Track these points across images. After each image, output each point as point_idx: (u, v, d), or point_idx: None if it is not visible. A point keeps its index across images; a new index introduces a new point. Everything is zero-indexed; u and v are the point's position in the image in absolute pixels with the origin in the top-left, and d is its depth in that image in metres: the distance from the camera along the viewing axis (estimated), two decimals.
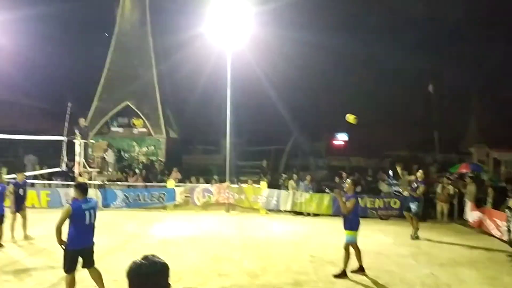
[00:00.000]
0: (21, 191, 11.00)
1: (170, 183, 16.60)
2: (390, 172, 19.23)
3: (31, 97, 34.23)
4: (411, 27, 27.86)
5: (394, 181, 17.81)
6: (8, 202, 10.73)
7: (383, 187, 17.05)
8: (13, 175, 11.98)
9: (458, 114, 26.72)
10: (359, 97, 27.81)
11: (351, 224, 8.18)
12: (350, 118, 11.34)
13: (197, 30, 19.82)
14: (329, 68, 28.88)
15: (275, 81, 25.08)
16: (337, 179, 17.17)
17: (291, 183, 16.77)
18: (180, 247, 10.26)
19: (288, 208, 15.96)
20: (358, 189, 14.30)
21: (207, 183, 17.51)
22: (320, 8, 27.59)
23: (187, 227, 13.01)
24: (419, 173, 12.29)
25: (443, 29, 28.56)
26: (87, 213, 6.18)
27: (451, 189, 15.11)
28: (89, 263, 6.41)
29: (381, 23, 28.03)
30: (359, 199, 14.62)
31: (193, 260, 9.12)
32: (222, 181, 17.01)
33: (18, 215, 10.80)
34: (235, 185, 16.69)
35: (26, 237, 10.75)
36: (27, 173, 13.11)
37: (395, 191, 16.77)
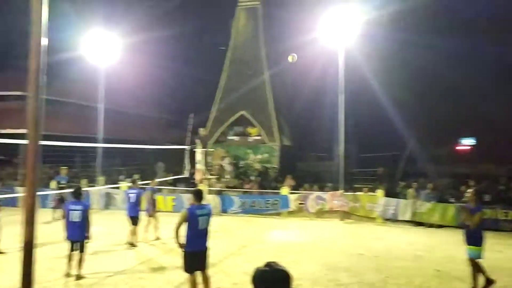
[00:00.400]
0: (154, 196, 12.11)
1: (284, 190, 16.86)
2: None
3: (159, 110, 37.59)
4: None
5: None
6: (144, 205, 11.89)
7: None
8: (145, 182, 13.26)
9: None
10: (486, 99, 25.40)
11: (475, 239, 7.45)
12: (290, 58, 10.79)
13: (308, 35, 19.96)
14: (451, 70, 26.85)
15: (390, 84, 24.06)
16: (463, 188, 15.83)
17: (411, 191, 15.89)
18: (295, 254, 10.34)
19: (408, 218, 15.15)
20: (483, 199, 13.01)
21: (321, 190, 17.42)
22: (438, 10, 25.88)
23: (301, 234, 13.09)
24: None
25: None
26: (200, 218, 6.45)
27: None
28: (202, 267, 6.65)
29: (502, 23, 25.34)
30: (489, 211, 13.37)
31: (309, 268, 9.13)
32: (335, 188, 16.79)
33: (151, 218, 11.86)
34: (350, 193, 16.36)
35: (157, 238, 11.76)
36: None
37: None
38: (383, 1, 22.24)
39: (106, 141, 18.33)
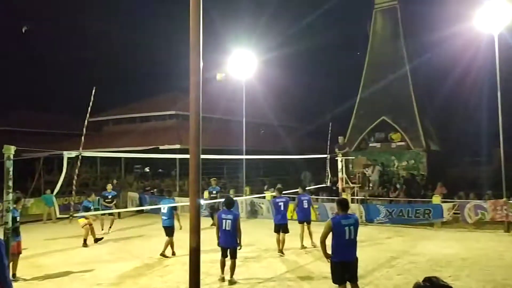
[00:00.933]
0: (305, 204, 12.25)
1: (436, 199, 15.66)
2: None
3: (298, 120, 38.45)
4: None
5: None
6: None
7: None
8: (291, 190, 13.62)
9: None
10: None
11: None
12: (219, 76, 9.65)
13: (452, 28, 18.40)
14: None
15: None
16: None
17: None
18: (453, 269, 9.48)
19: None
20: None
21: (479, 198, 15.75)
22: None
23: (458, 247, 11.96)
24: None
25: None
26: (346, 228, 6.30)
27: None
28: (351, 277, 6.46)
29: None
30: None
31: (471, 285, 8.28)
32: (497, 196, 15.00)
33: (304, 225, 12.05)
34: None
35: (313, 244, 11.92)
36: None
37: None
38: None
39: (249, 152, 19.32)
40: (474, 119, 23.83)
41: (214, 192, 16.39)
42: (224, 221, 8.40)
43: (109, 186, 17.03)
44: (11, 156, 7.28)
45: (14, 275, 9.00)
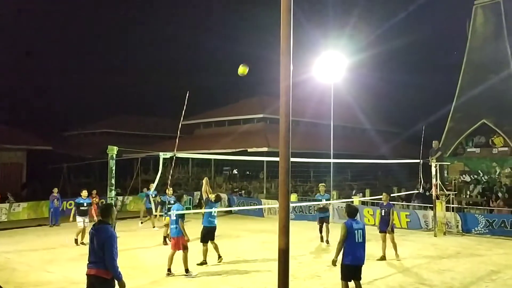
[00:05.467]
0: (383, 212, 11.53)
1: None
2: None
3: (388, 123, 37.16)
4: None
5: None
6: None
7: None
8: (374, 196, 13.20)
9: None
10: None
11: None
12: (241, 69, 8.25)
13: None
14: None
15: None
16: None
17: None
18: None
19: None
20: None
21: None
22: None
23: None
24: None
25: None
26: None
27: None
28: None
29: None
30: None
31: None
32: None
33: (388, 235, 11.32)
34: None
35: (396, 257, 11.19)
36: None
37: None
38: None
39: (337, 156, 19.07)
40: None
41: (324, 200, 13.81)
42: (356, 232, 6.84)
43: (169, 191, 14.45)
44: (114, 156, 7.88)
45: (186, 270, 9.46)
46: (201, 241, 10.53)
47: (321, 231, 13.51)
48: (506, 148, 21.08)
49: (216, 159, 25.64)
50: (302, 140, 26.39)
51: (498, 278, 9.40)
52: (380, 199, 12.33)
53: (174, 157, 8.36)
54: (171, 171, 8.83)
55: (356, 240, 6.80)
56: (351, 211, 7.20)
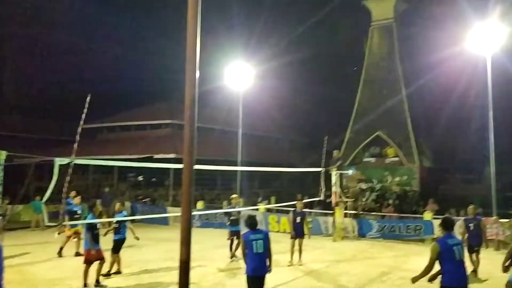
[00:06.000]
0: (298, 219, 11.90)
1: (427, 215, 15.74)
2: None
3: (295, 133, 38.55)
4: None
5: None
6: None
7: None
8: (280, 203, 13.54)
9: None
10: None
11: None
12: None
13: (447, 50, 18.77)
14: None
15: None
16: None
17: None
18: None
19: None
20: None
21: None
22: None
23: None
24: None
25: None
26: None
27: None
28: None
29: None
30: None
31: None
32: (488, 214, 15.09)
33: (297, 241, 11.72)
34: (505, 220, 14.57)
35: (299, 262, 11.70)
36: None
37: None
38: None
39: (245, 164, 19.32)
40: (467, 137, 24.02)
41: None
42: (254, 243, 6.79)
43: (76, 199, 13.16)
44: (2, 162, 7.19)
45: (97, 281, 9.17)
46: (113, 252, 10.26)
47: (231, 247, 12.27)
48: (397, 159, 22.93)
49: (120, 166, 24.60)
50: (213, 148, 26.39)
51: (388, 279, 10.16)
52: (286, 206, 12.72)
53: (72, 163, 7.86)
54: (68, 178, 8.20)
55: (255, 251, 6.69)
56: (251, 223, 7.07)
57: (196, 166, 4.98)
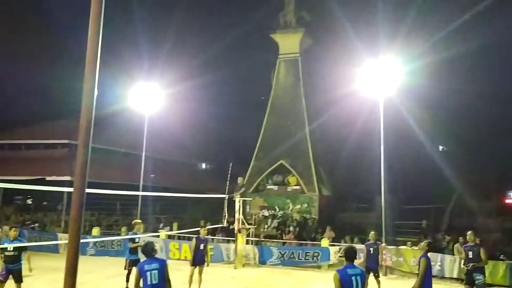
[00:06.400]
0: (201, 246, 11.55)
1: (324, 242, 16.42)
2: None
3: (200, 158, 38.29)
4: None
5: None
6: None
7: None
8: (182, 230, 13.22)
9: None
10: None
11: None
12: None
13: (348, 88, 20.19)
14: (496, 119, 26.14)
15: (435, 135, 23.60)
16: None
17: (457, 246, 15.08)
18: None
19: (455, 275, 14.27)
20: None
21: (362, 243, 16.79)
22: (477, 58, 25.62)
23: None
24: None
25: None
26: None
27: None
28: None
29: None
30: None
31: None
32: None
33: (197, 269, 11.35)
34: (392, 246, 15.72)
35: None
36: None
37: None
38: (422, 51, 22.31)
39: (147, 188, 18.70)
40: (363, 169, 25.68)
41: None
42: (148, 273, 6.42)
43: None
44: None
45: None
46: None
47: (128, 277, 11.18)
48: (298, 187, 23.79)
49: (5, 187, 22.45)
50: (115, 171, 25.18)
51: None
52: (188, 232, 12.42)
53: None
54: None
55: (149, 282, 6.31)
56: (147, 251, 6.72)
57: (89, 190, 4.69)
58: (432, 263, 14.45)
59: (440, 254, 14.84)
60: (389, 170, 16.96)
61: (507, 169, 25.83)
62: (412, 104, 21.93)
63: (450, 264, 14.43)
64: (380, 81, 16.69)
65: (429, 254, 14.68)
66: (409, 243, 16.00)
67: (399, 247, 15.73)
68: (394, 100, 18.34)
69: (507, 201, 28.03)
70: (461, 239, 15.57)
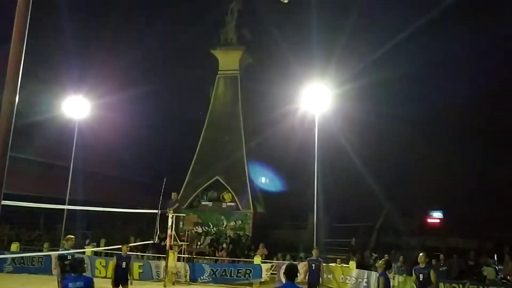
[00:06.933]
0: (123, 264, 11.24)
1: (257, 259, 16.44)
2: (495, 256, 17.44)
3: (132, 171, 37.02)
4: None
5: (500, 267, 16.05)
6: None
7: (489, 273, 15.28)
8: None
9: None
10: (456, 173, 26.13)
11: None
12: None
13: (284, 108, 20.67)
14: (422, 142, 27.88)
15: (364, 156, 24.64)
16: (433, 262, 15.82)
17: (381, 263, 15.73)
18: None
19: None
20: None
21: (294, 260, 17.04)
22: (412, 83, 27.36)
23: None
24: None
25: None
26: None
27: None
28: None
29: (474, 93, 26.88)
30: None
31: None
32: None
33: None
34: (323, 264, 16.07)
35: None
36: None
37: (502, 278, 14.97)
38: (357, 73, 23.43)
39: (75, 203, 17.76)
40: (296, 188, 26.16)
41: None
42: None
43: None
44: None
45: None
46: None
47: None
48: (233, 204, 23.75)
49: None
50: (36, 182, 23.67)
51: None
52: (117, 249, 11.94)
53: None
54: None
55: None
56: (74, 267, 6.54)
57: (5, 202, 4.36)
58: (359, 280, 15.11)
59: (367, 271, 15.38)
60: (322, 188, 17.43)
61: (430, 190, 27.52)
62: (345, 126, 22.85)
63: (376, 281, 14.97)
64: (315, 103, 17.23)
65: (357, 271, 15.33)
66: (338, 260, 16.44)
67: (329, 264, 16.10)
68: (329, 121, 19.01)
69: (429, 220, 29.80)
70: (386, 256, 16.30)
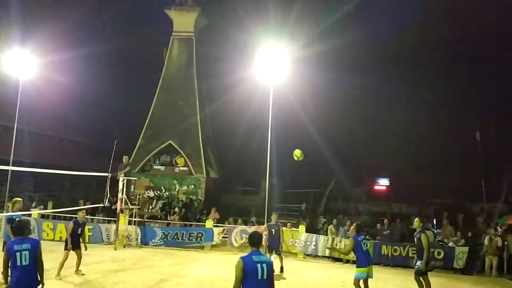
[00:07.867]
0: (79, 230, 11.05)
1: (209, 223, 16.62)
2: (434, 221, 18.54)
3: (81, 133, 35.86)
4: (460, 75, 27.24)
5: (438, 230, 17.13)
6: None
7: (428, 236, 16.26)
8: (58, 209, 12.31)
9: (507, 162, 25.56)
10: (403, 142, 27.24)
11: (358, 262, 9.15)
12: (297, 154, 12.14)
13: (240, 74, 20.49)
14: (373, 111, 28.69)
15: (317, 124, 25.08)
16: (378, 226, 16.68)
17: (331, 228, 16.41)
18: None
19: (327, 253, 15.54)
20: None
21: (245, 224, 17.38)
22: (369, 48, 27.65)
23: (223, 269, 12.85)
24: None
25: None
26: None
27: (499, 241, 14.28)
28: None
29: (429, 69, 27.76)
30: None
31: None
32: (260, 223, 16.83)
33: (73, 253, 10.81)
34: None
35: (77, 273, 10.88)
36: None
37: (439, 241, 16.03)
38: (312, 39, 23.46)
39: (18, 164, 17.00)
40: (249, 154, 26.36)
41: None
42: (18, 254, 6.03)
43: None
44: None
45: None
46: None
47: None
48: (186, 168, 23.59)
49: None
50: None
51: (165, 285, 10.26)
52: (65, 212, 11.70)
53: None
54: None
55: (19, 263, 5.97)
56: (18, 229, 6.29)
57: None
58: (307, 243, 15.68)
59: (315, 235, 15.98)
60: (275, 156, 17.63)
61: (379, 158, 28.62)
62: (300, 92, 23.03)
63: (323, 244, 15.62)
64: (271, 68, 17.13)
65: (306, 234, 15.87)
66: (289, 224, 16.92)
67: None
68: (284, 87, 19.01)
69: (376, 187, 31.14)
70: (334, 221, 16.99)
